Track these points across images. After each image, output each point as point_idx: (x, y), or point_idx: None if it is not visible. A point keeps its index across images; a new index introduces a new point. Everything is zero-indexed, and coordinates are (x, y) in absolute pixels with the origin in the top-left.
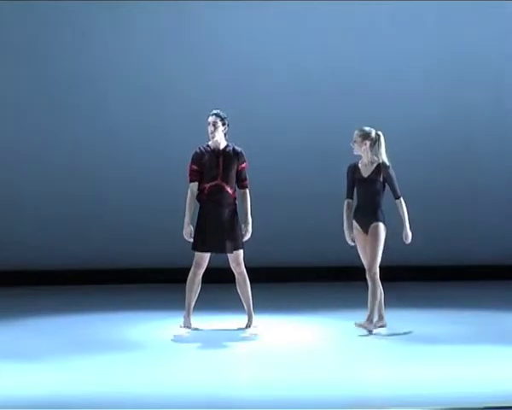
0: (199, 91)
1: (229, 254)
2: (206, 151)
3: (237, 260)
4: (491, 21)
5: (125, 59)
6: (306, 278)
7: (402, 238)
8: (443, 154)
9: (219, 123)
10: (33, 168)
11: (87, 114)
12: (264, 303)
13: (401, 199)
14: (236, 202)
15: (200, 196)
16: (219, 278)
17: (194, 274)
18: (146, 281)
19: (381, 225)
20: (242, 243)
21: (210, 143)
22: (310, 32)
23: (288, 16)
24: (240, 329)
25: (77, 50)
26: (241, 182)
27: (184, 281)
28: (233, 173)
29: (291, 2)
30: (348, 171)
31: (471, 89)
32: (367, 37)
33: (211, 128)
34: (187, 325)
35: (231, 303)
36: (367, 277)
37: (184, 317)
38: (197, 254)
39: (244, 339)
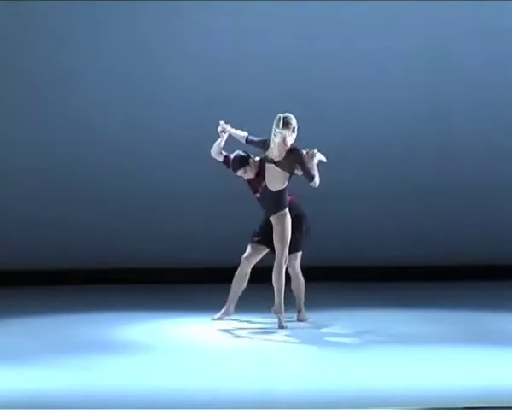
0: (187, 91)
1: None
2: None
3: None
4: (478, 19)
5: (109, 58)
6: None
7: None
8: (429, 152)
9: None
10: (34, 168)
11: (71, 115)
12: (261, 303)
13: None
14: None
15: None
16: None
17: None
18: (144, 281)
19: None
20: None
21: None
22: (295, 28)
23: (281, 15)
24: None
25: (56, 51)
26: None
27: (180, 282)
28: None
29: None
30: None
31: (456, 86)
32: (355, 33)
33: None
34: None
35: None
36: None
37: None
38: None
39: (244, 338)
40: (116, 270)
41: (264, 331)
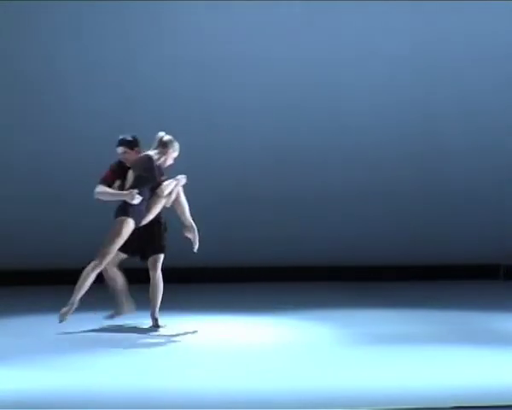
0: (181, 97)
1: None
2: None
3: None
4: (460, 18)
5: (95, 61)
6: (286, 277)
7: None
8: (414, 154)
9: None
10: (34, 168)
11: (70, 116)
12: (256, 303)
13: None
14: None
15: None
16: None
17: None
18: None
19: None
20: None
21: None
22: (280, 29)
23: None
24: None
25: (45, 51)
26: None
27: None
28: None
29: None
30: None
31: (453, 86)
32: (335, 32)
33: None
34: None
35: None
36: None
37: None
38: None
39: (230, 338)
40: None
41: (256, 331)
